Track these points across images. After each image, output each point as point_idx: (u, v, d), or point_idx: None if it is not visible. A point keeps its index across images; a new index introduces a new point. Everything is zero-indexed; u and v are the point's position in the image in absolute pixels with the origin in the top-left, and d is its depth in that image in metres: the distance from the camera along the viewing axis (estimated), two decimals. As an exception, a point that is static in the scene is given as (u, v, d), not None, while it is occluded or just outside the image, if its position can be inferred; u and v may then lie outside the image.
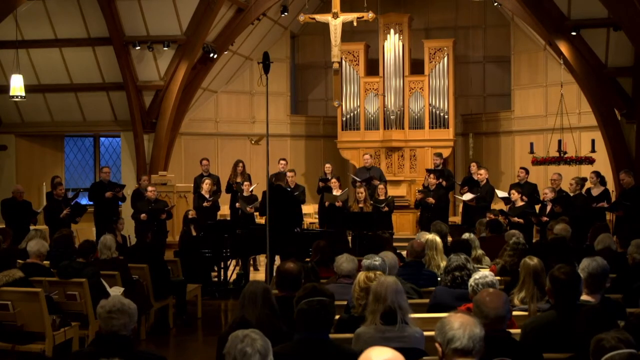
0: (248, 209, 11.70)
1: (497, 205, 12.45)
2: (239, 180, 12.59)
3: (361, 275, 4.73)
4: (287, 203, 10.07)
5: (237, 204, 12.03)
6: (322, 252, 6.99)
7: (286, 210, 9.79)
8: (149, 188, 11.73)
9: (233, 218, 12.50)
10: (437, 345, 3.02)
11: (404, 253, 8.05)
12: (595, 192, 10.97)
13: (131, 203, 12.19)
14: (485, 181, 12.12)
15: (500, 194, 11.59)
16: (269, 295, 4.31)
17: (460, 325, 2.96)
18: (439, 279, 6.51)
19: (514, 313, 4.78)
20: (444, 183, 12.49)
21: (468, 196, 12.09)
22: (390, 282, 4.18)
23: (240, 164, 12.80)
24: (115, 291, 7.10)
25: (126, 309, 3.64)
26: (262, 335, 3.03)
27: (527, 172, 12.01)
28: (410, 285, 5.89)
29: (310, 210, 14.35)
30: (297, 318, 3.77)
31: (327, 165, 13.29)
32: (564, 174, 12.13)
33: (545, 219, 10.86)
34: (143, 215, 11.36)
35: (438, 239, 6.94)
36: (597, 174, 11.11)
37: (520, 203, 11.03)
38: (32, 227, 10.37)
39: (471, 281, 4.75)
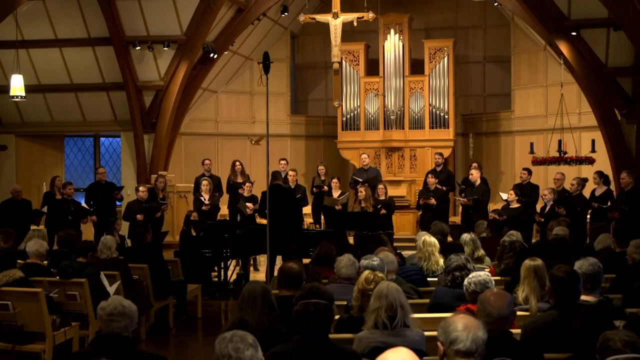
0: (248, 210, 11.66)
1: (498, 206, 12.45)
2: (239, 180, 12.56)
3: (362, 277, 4.74)
4: (286, 202, 10.04)
5: (239, 205, 12.00)
6: (325, 250, 7.01)
7: (286, 210, 9.76)
8: (140, 188, 11.71)
9: (232, 218, 12.48)
10: (439, 344, 3.03)
11: (404, 253, 8.09)
12: (598, 192, 10.96)
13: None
14: (479, 181, 12.06)
15: (504, 196, 11.55)
16: (268, 295, 4.30)
17: (464, 327, 2.98)
18: (434, 278, 6.55)
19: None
20: (443, 188, 12.43)
21: (464, 200, 12.10)
22: (392, 284, 4.17)
23: (238, 163, 12.81)
24: (114, 287, 7.11)
25: (127, 312, 3.65)
26: (248, 332, 3.04)
27: (529, 172, 11.98)
28: (410, 285, 5.91)
29: (310, 210, 14.32)
30: (294, 319, 3.78)
31: (321, 167, 13.13)
32: (564, 174, 12.12)
33: (541, 219, 10.86)
34: (139, 215, 11.35)
35: (434, 239, 7.03)
36: (600, 173, 11.09)
37: (515, 205, 11.01)
38: (33, 228, 10.38)
39: (465, 281, 4.78)
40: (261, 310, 4.20)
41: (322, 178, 12.86)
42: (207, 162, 12.96)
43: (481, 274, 4.76)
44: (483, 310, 3.78)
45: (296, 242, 9.69)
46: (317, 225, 12.89)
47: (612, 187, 11.55)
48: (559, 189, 11.37)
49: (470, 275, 4.78)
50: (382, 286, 4.19)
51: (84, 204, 11.99)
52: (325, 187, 12.54)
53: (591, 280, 4.57)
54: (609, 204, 10.73)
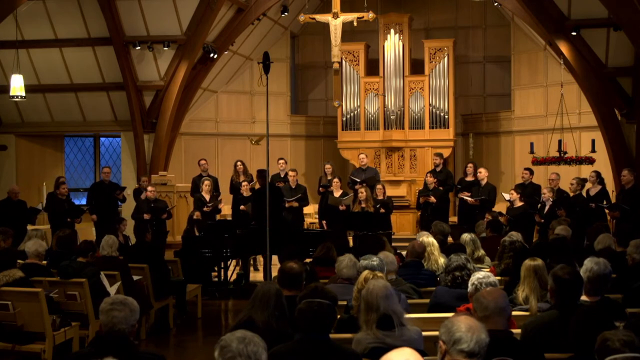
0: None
1: (499, 206, 12.44)
2: (241, 179, 12.56)
3: (361, 277, 4.73)
4: (277, 201, 9.99)
5: (243, 207, 11.96)
6: (327, 250, 7.00)
7: (274, 209, 9.69)
8: (149, 188, 11.74)
9: (235, 218, 12.46)
10: (440, 342, 3.03)
11: (404, 253, 8.07)
12: (593, 191, 10.96)
13: (135, 200, 12.23)
14: (485, 179, 12.10)
15: (507, 196, 11.55)
16: (281, 297, 4.33)
17: (468, 328, 2.99)
18: (438, 279, 6.53)
19: (515, 313, 4.79)
20: (440, 188, 12.43)
21: (470, 198, 12.05)
22: (379, 288, 4.10)
23: (239, 163, 12.81)
24: (114, 287, 7.11)
25: (128, 303, 3.70)
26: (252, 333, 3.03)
27: (531, 172, 11.97)
28: (410, 285, 5.90)
29: (310, 210, 14.32)
30: (296, 318, 3.77)
31: (328, 166, 13.08)
32: (564, 174, 12.11)
33: (540, 220, 10.85)
34: (146, 215, 11.36)
35: (432, 238, 7.04)
36: (597, 173, 11.10)
37: (519, 204, 11.01)
38: (30, 227, 10.37)
39: (474, 280, 4.69)
40: (272, 312, 4.22)
41: (329, 177, 12.84)
42: (202, 162, 12.98)
43: (490, 275, 4.72)
44: (480, 305, 3.77)
45: (291, 242, 9.66)
46: (319, 225, 12.88)
47: (612, 186, 11.53)
48: (554, 189, 11.36)
49: (479, 275, 4.70)
50: (370, 298, 4.06)
51: (78, 204, 12.00)
52: (336, 181, 12.50)
53: (599, 284, 4.53)
54: (604, 203, 10.73)
